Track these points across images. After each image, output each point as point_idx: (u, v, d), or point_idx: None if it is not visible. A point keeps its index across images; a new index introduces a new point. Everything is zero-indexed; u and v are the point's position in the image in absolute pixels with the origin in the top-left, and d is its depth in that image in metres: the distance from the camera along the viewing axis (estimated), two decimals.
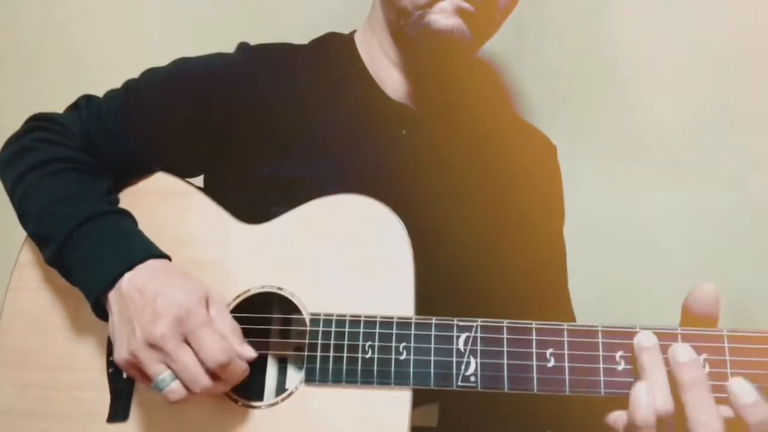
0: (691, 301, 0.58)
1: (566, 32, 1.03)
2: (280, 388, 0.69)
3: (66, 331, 0.72)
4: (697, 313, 0.57)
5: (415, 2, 0.70)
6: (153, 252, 0.66)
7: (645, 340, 0.56)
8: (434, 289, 0.66)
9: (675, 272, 0.97)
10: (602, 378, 0.58)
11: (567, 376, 0.59)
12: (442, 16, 0.69)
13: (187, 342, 0.60)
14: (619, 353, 0.59)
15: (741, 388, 0.54)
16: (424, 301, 0.64)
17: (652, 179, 1.00)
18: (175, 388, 0.60)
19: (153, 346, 0.60)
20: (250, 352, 0.63)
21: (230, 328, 0.63)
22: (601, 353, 0.59)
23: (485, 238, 0.76)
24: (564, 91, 1.03)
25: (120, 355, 0.62)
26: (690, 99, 0.99)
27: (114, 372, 0.69)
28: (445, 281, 0.70)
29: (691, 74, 0.99)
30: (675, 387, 0.54)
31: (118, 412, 0.68)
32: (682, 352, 0.55)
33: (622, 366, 0.59)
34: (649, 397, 0.54)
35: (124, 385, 0.69)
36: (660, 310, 0.94)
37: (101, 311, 0.66)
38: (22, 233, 0.74)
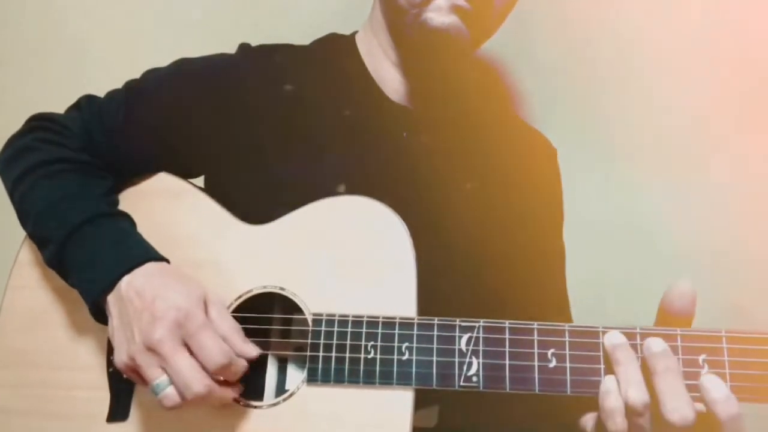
0: (668, 300, 0.58)
1: (566, 32, 1.03)
2: (280, 389, 0.69)
3: (65, 330, 0.72)
4: (675, 312, 0.58)
5: (411, 0, 0.70)
6: (152, 255, 0.66)
7: (616, 338, 0.58)
8: (436, 289, 0.66)
9: (675, 272, 0.97)
10: (603, 378, 0.58)
11: (568, 377, 0.59)
12: (438, 14, 0.69)
13: (186, 345, 0.60)
14: None
15: (711, 383, 0.55)
16: (426, 302, 0.64)
17: (652, 179, 1.00)
18: (169, 394, 0.59)
19: (151, 350, 0.60)
20: (253, 351, 0.63)
21: (231, 327, 0.63)
22: (602, 354, 0.59)
23: (486, 239, 0.76)
24: (564, 92, 1.03)
25: (120, 358, 0.62)
26: (690, 99, 0.99)
27: (114, 371, 0.69)
28: (446, 282, 0.70)
29: (691, 74, 0.99)
30: (649, 378, 0.56)
31: (118, 411, 0.68)
32: (656, 343, 0.56)
33: None
34: (620, 386, 0.56)
35: (124, 385, 0.68)
36: None
37: (99, 313, 0.66)
38: (22, 232, 0.74)
